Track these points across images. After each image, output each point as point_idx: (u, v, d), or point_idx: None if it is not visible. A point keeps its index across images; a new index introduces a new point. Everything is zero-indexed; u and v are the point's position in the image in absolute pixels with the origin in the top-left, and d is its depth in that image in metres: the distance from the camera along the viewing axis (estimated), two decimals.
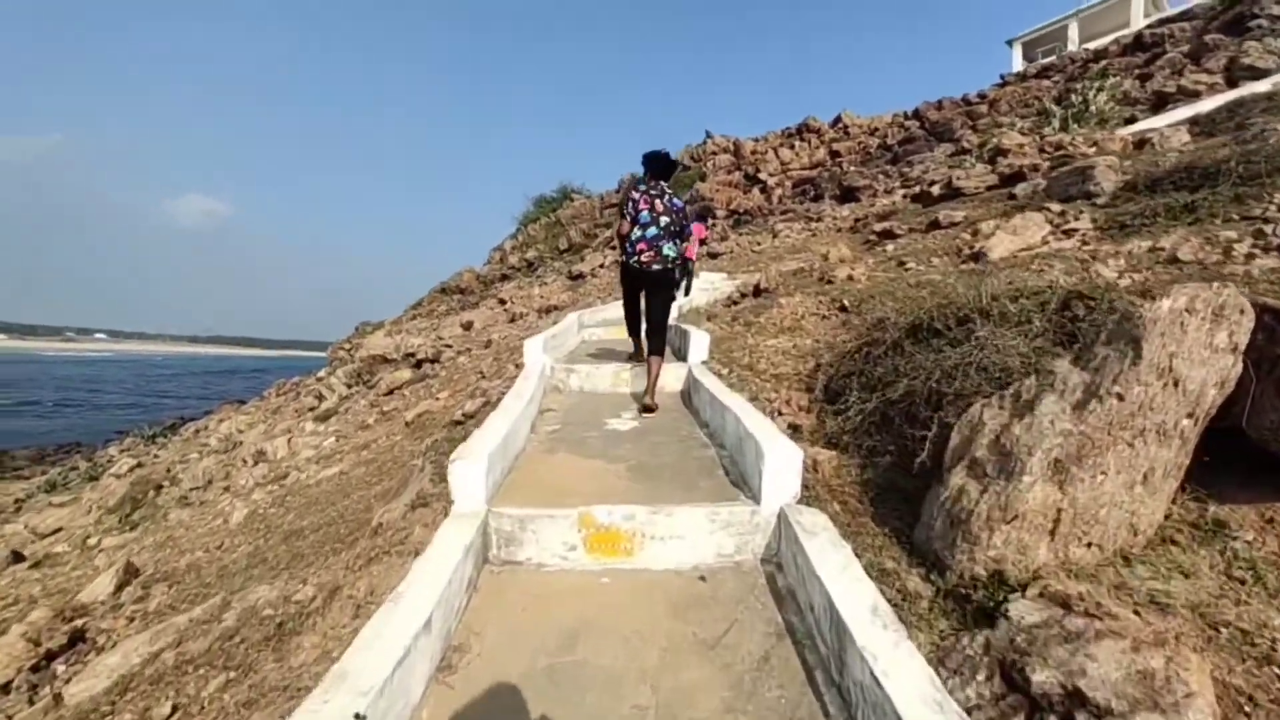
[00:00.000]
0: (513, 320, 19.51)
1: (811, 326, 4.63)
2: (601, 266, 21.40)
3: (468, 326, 20.45)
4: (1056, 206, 5.77)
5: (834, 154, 23.67)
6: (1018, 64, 25.47)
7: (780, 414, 3.48)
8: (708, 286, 11.19)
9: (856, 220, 12.89)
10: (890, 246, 6.61)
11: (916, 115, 22.56)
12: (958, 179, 8.10)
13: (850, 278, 5.59)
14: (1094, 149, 8.13)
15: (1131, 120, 12.11)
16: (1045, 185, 6.38)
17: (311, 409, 16.56)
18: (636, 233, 4.26)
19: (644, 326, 4.77)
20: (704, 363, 4.71)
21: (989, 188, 7.91)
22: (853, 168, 21.22)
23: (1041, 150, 12.24)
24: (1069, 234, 5.01)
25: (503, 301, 22.97)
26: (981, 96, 22.04)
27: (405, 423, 6.67)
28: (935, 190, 8.72)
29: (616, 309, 8.67)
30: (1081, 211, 5.38)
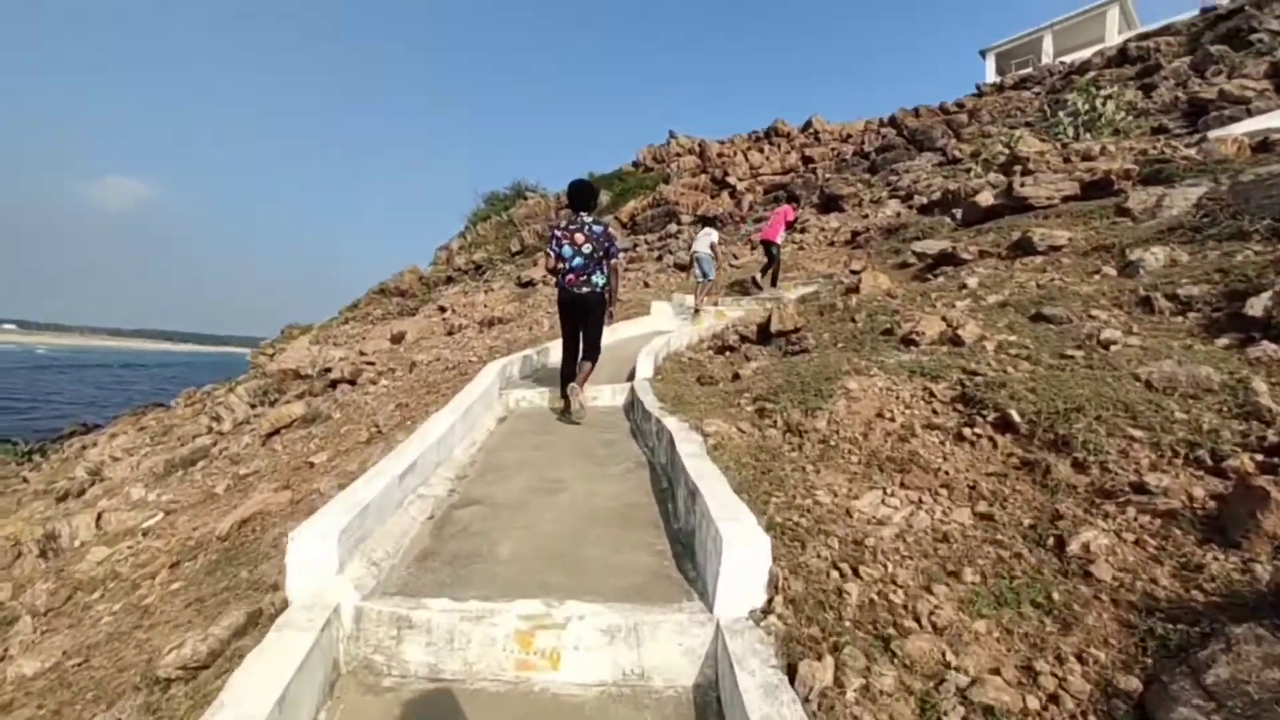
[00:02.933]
0: (450, 333, 16.90)
1: (940, 462, 2.33)
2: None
3: (398, 339, 17.68)
4: None
5: (806, 159, 21.94)
6: (991, 75, 24.45)
7: None
8: (684, 313, 8.97)
9: (855, 234, 10.99)
10: (972, 280, 4.57)
11: (893, 123, 21.05)
12: (1021, 189, 6.20)
13: (955, 339, 3.42)
14: (1177, 154, 6.37)
15: (1161, 129, 10.68)
16: (1224, 196, 4.38)
17: (195, 438, 13.55)
18: (562, 266, 4.42)
19: (576, 363, 4.62)
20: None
21: (1067, 198, 6.03)
22: (828, 175, 19.50)
23: (1066, 160, 10.61)
24: None
25: (443, 310, 20.24)
26: (960, 105, 20.72)
27: (218, 536, 4.20)
28: (985, 200, 6.79)
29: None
30: None
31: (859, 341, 4.15)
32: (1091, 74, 17.82)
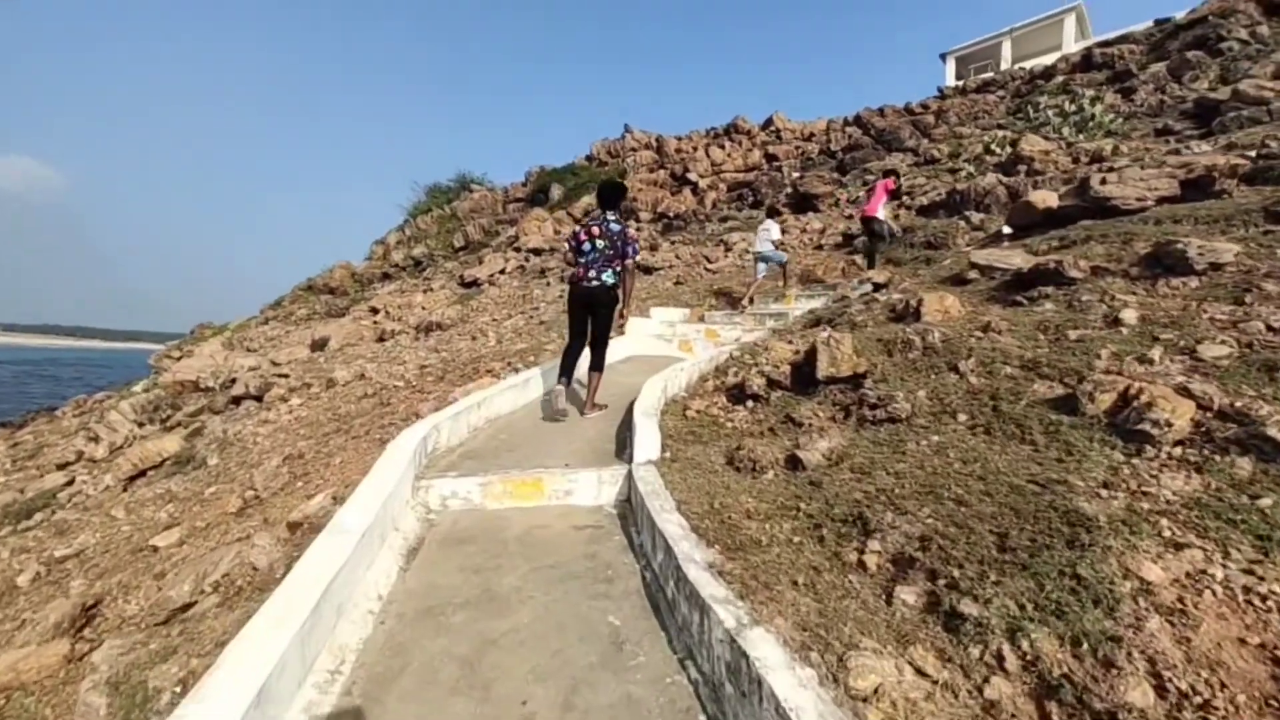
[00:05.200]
0: (381, 339, 14.55)
1: None
2: (502, 273, 16.85)
3: (320, 345, 15.16)
4: None
5: (770, 157, 20.56)
6: (951, 78, 23.83)
7: None
8: (661, 331, 7.17)
9: (850, 237, 9.49)
10: (1129, 315, 3.00)
11: (859, 122, 19.93)
12: (1100, 187, 4.77)
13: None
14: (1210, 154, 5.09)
15: (1167, 130, 9.71)
16: None
17: (60, 467, 10.92)
18: (581, 261, 4.38)
19: (576, 359, 4.50)
20: None
21: (1163, 199, 4.65)
22: (797, 173, 18.17)
23: (1075, 159, 9.46)
24: None
25: (375, 311, 17.72)
26: (924, 106, 19.82)
27: None
28: (1044, 202, 5.32)
29: (520, 396, 4.55)
30: None
31: (1003, 415, 2.50)
32: (1059, 78, 17.17)
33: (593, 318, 4.41)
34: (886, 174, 8.84)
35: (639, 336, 6.65)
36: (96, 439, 11.77)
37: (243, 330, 23.51)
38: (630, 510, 2.88)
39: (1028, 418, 2.43)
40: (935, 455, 2.40)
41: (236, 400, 11.32)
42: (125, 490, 7.95)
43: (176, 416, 12.45)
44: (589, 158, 26.06)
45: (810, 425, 3.23)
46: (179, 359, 20.83)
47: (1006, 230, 6.30)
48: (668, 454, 3.14)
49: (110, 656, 2.69)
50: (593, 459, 3.30)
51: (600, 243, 4.28)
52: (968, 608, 1.51)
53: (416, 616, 2.00)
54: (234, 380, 13.87)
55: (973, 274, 4.85)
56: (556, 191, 23.53)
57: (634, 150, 24.48)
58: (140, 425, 12.72)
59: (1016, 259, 4.64)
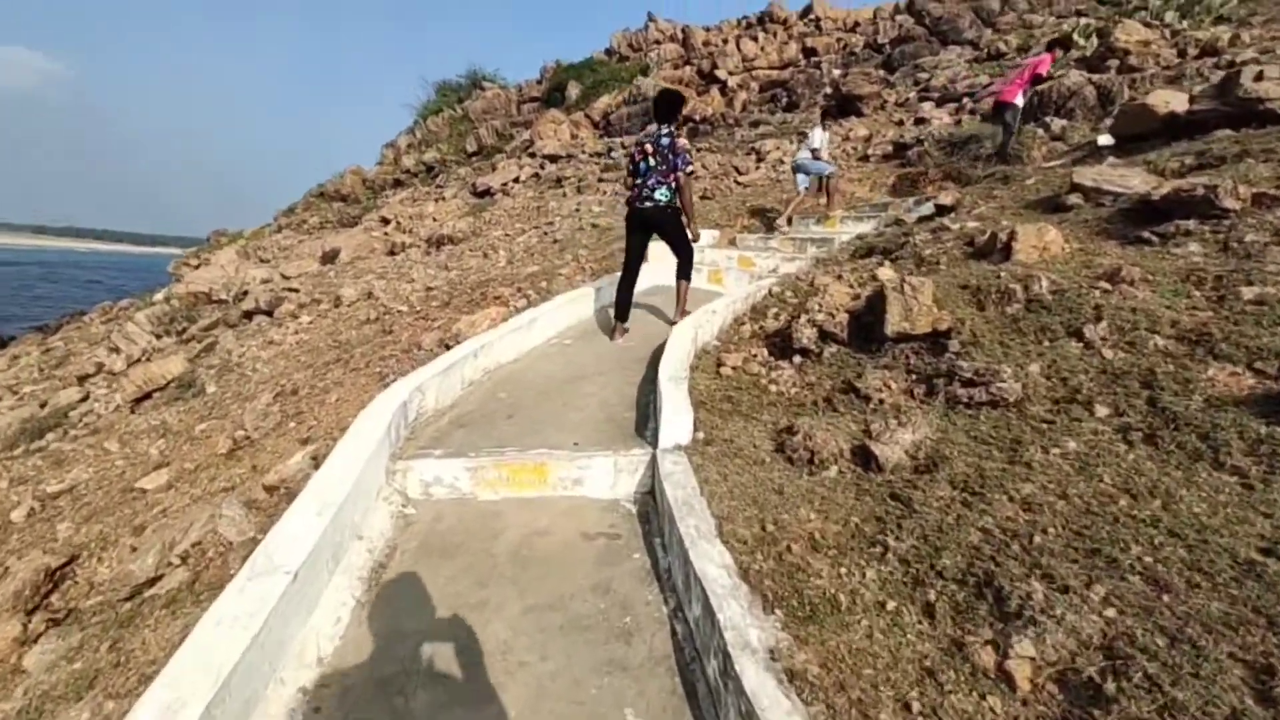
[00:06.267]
0: (392, 252, 13.82)
1: None
2: (517, 181, 15.68)
3: (330, 258, 14.50)
4: None
5: (808, 51, 18.34)
6: None
7: None
8: (706, 263, 6.19)
9: (901, 147, 8.16)
10: None
11: (911, 9, 17.45)
12: (1254, 85, 3.67)
13: None
14: None
15: None
16: None
17: (80, 380, 10.89)
18: (637, 182, 4.18)
19: (633, 289, 4.41)
20: None
21: None
22: (835, 70, 16.21)
23: (1181, 53, 7.92)
24: None
25: (385, 221, 16.83)
26: None
27: None
28: (1167, 104, 4.20)
29: (524, 339, 3.89)
30: None
31: (1171, 417, 1.78)
32: None
33: (662, 238, 4.32)
34: (1051, 45, 7.01)
35: (655, 267, 5.83)
36: (116, 350, 11.56)
37: (257, 238, 22.84)
38: (654, 511, 2.28)
39: (1217, 426, 1.70)
40: (1079, 476, 1.71)
41: (248, 315, 10.91)
42: (133, 411, 7.68)
43: (191, 330, 12.12)
44: (609, 51, 23.74)
45: (882, 401, 2.53)
46: (196, 267, 20.41)
47: (1106, 141, 5.19)
48: (700, 434, 2.49)
49: (42, 663, 2.26)
50: (608, 434, 2.66)
51: (653, 159, 4.08)
52: None
53: (360, 703, 1.45)
54: (245, 293, 13.42)
55: (1073, 198, 3.90)
56: (574, 90, 21.60)
57: (658, 43, 22.11)
58: (158, 337, 12.46)
59: (1135, 180, 3.68)
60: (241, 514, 3.11)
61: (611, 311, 4.46)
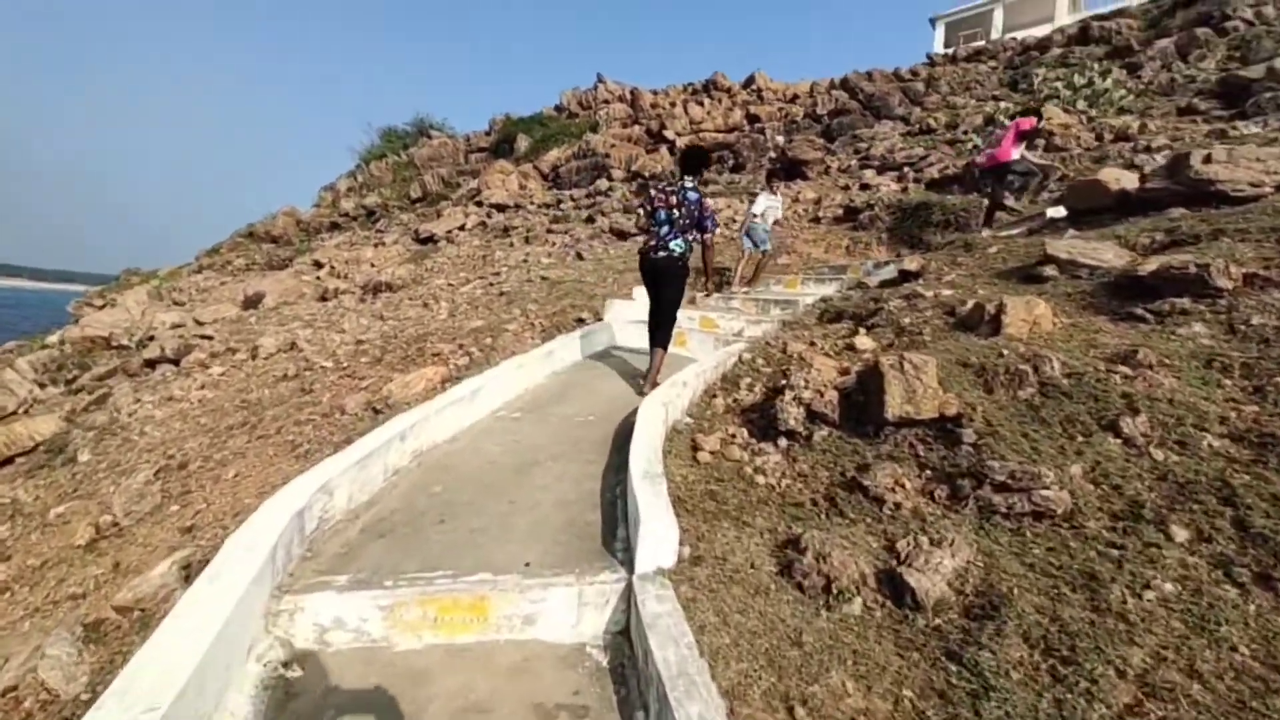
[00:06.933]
0: (323, 298, 12.83)
1: None
2: (462, 229, 15.13)
3: (253, 303, 13.34)
4: None
5: (751, 118, 19.07)
6: (939, 44, 22.54)
7: None
8: (645, 317, 5.81)
9: (852, 211, 8.17)
10: None
11: (845, 85, 18.55)
12: (1203, 167, 3.69)
13: None
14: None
15: (1190, 110, 8.76)
16: None
17: None
18: (655, 229, 4.13)
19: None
20: None
21: None
22: (779, 137, 16.84)
23: (1098, 136, 8.45)
24: None
25: (319, 265, 15.86)
26: (914, 73, 18.61)
27: None
28: (1119, 183, 4.21)
29: (465, 413, 3.31)
30: None
31: (1258, 541, 1.45)
32: (1056, 50, 16.14)
33: (661, 290, 4.17)
34: (1025, 113, 7.06)
35: (621, 324, 5.39)
36: None
37: (173, 279, 21.06)
38: (631, 664, 1.72)
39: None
40: (1198, 636, 1.31)
41: (151, 364, 9.69)
42: None
43: (83, 379, 10.64)
44: (558, 108, 24.00)
45: (898, 505, 2.11)
46: (101, 308, 18.51)
47: (1058, 213, 5.24)
48: (686, 549, 1.98)
49: None
50: (568, 548, 2.10)
51: (675, 212, 4.02)
52: None
53: None
54: (151, 338, 12.06)
55: (1048, 269, 3.76)
56: (523, 143, 21.56)
57: (606, 103, 22.55)
58: (41, 386, 10.87)
59: (1109, 254, 3.58)
60: (72, 653, 2.31)
61: (566, 378, 3.99)
